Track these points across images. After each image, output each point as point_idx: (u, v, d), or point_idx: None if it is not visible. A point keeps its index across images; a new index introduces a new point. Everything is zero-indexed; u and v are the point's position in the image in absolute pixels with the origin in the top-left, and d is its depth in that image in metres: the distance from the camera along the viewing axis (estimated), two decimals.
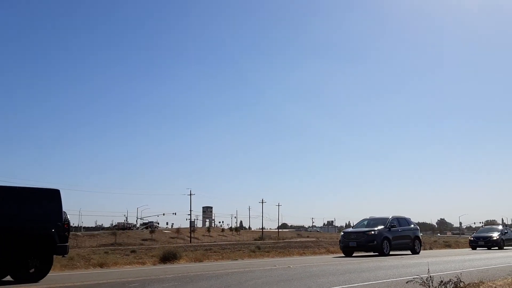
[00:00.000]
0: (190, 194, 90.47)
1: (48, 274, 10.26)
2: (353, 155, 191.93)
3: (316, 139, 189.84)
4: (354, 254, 19.59)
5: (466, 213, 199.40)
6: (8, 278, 9.83)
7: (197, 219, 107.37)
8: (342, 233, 20.33)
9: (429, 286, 5.81)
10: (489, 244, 27.17)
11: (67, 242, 10.56)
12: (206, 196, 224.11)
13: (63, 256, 10.84)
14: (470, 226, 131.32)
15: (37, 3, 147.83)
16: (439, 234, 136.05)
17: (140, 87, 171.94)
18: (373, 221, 20.19)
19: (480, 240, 27.82)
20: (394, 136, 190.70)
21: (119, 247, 53.61)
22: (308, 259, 17.58)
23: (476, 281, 7.45)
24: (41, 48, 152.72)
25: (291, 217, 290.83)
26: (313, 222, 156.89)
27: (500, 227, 30.85)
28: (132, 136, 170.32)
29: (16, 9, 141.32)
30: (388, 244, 18.80)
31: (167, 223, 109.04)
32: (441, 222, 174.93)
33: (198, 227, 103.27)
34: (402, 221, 20.56)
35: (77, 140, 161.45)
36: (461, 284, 6.24)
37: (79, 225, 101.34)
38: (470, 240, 29.51)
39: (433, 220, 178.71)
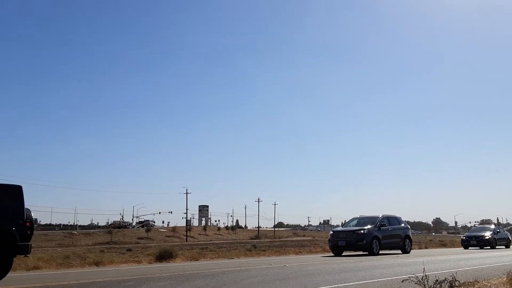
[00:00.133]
0: (186, 193, 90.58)
1: (45, 272, 10.22)
2: (349, 154, 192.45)
3: (312, 138, 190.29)
4: (345, 253, 19.34)
5: (462, 212, 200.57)
6: None
7: (193, 218, 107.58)
8: (331, 232, 20.06)
9: (424, 285, 5.82)
10: (481, 243, 27.09)
11: (29, 241, 10.03)
12: (203, 194, 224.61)
13: (25, 256, 10.26)
14: (466, 225, 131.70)
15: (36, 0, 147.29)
16: (433, 234, 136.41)
17: (136, 86, 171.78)
18: (363, 220, 19.94)
19: (472, 239, 27.73)
20: (390, 136, 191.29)
21: (115, 246, 53.54)
22: (304, 258, 17.59)
23: (471, 280, 7.48)
24: (39, 45, 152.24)
25: (287, 216, 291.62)
26: (309, 221, 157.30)
27: (493, 226, 30.79)
28: (129, 134, 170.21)
29: (16, 6, 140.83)
30: (377, 243, 18.57)
31: (163, 222, 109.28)
32: (437, 221, 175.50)
33: (194, 226, 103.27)
34: (392, 220, 20.35)
35: (73, 138, 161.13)
36: (456, 283, 6.26)
37: (75, 224, 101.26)
38: (462, 239, 29.41)
39: (428, 220, 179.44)
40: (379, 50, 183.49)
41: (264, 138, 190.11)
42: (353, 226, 19.82)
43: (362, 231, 18.46)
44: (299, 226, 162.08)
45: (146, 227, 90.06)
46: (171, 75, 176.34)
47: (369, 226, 18.82)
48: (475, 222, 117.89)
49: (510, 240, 29.99)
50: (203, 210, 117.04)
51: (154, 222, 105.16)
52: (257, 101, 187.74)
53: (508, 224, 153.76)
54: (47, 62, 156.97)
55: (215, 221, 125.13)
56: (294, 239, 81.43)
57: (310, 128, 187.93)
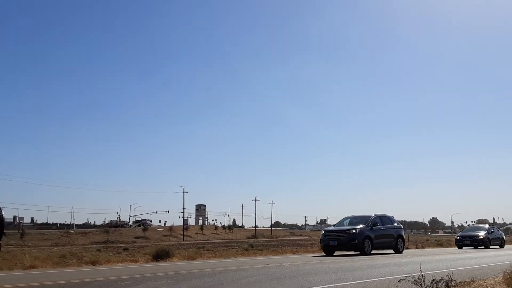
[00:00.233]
0: (183, 192, 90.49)
1: (41, 272, 10.21)
2: (346, 154, 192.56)
3: (309, 138, 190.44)
4: (337, 253, 19.12)
5: (458, 212, 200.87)
6: None
7: (190, 217, 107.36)
8: (323, 232, 19.81)
9: (421, 284, 5.84)
10: (475, 243, 26.89)
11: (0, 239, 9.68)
12: (199, 194, 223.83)
13: None
14: (462, 225, 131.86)
15: (42, 3, 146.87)
16: (429, 233, 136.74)
17: (133, 85, 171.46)
18: (356, 220, 19.73)
19: (466, 239, 27.52)
20: (387, 136, 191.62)
21: (112, 245, 53.43)
22: (301, 258, 17.60)
23: (467, 280, 7.51)
24: (41, 47, 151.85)
25: (284, 215, 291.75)
26: (306, 221, 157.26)
27: (487, 226, 30.43)
28: (126, 133, 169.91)
29: (20, 8, 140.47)
30: (369, 243, 18.35)
31: (160, 221, 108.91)
32: (433, 221, 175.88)
33: (191, 225, 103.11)
34: (385, 220, 20.16)
35: (70, 137, 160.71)
36: (453, 283, 6.28)
37: (72, 223, 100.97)
38: (456, 239, 29.17)
39: (425, 219, 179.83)
40: (377, 50, 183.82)
41: (261, 138, 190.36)
42: (345, 225, 19.60)
43: (353, 231, 18.26)
44: (296, 225, 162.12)
45: (143, 227, 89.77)
46: (167, 75, 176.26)
47: (361, 226, 18.64)
48: (472, 222, 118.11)
49: (504, 240, 29.89)
50: (200, 209, 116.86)
51: (151, 221, 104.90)
52: (254, 100, 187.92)
53: (504, 224, 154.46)
54: (46, 61, 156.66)
55: (212, 220, 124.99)
56: (291, 238, 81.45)
57: (307, 127, 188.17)
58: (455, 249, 27.08)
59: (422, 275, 5.91)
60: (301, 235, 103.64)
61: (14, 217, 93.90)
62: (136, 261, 16.47)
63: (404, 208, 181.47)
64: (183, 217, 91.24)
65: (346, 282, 7.87)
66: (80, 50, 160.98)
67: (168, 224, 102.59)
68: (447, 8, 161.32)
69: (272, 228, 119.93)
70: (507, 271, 7.39)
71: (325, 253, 19.43)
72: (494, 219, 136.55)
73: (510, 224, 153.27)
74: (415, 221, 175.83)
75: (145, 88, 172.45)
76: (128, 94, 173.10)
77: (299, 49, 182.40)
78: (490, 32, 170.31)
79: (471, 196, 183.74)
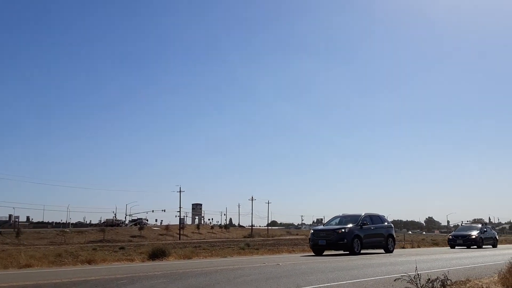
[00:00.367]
0: (180, 191, 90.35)
1: (37, 271, 10.18)
2: (342, 153, 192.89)
3: (305, 137, 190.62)
4: (328, 253, 18.90)
5: (454, 212, 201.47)
6: None
7: (186, 216, 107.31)
8: (312, 231, 19.45)
9: (416, 284, 5.85)
10: (467, 242, 26.61)
11: None
12: (196, 193, 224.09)
13: None
14: (458, 224, 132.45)
15: (41, 2, 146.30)
16: (424, 233, 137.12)
17: (130, 84, 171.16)
18: (345, 219, 19.41)
19: (458, 238, 27.23)
20: (384, 135, 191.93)
21: (108, 244, 53.34)
22: (298, 257, 17.60)
23: (463, 279, 7.54)
24: (38, 46, 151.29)
25: (280, 214, 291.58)
26: (302, 220, 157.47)
27: (480, 225, 30.05)
28: (122, 132, 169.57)
29: (20, 8, 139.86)
30: (359, 242, 18.06)
31: (156, 220, 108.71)
32: (429, 220, 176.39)
33: (187, 224, 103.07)
34: (375, 219, 19.85)
35: (66, 136, 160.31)
36: (448, 282, 6.29)
37: (67, 222, 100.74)
38: (448, 238, 28.87)
39: (421, 219, 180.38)
40: (372, 49, 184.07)
41: (258, 137, 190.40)
42: (335, 224, 19.27)
43: (343, 230, 17.93)
44: (292, 224, 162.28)
45: (139, 225, 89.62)
46: (165, 74, 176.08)
47: (350, 225, 18.35)
48: (467, 221, 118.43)
49: (497, 240, 29.69)
50: (197, 208, 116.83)
51: (147, 220, 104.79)
52: (250, 100, 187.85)
53: (499, 224, 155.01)
54: (44, 60, 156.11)
55: (209, 219, 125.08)
56: (288, 237, 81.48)
57: (304, 127, 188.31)
58: (445, 248, 26.86)
59: (418, 274, 5.92)
60: (297, 234, 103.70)
61: (10, 215, 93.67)
62: (132, 260, 16.44)
63: (400, 207, 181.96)
64: (180, 216, 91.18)
65: (342, 281, 7.88)
66: (78, 49, 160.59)
67: (164, 223, 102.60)
68: (445, 7, 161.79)
69: (269, 228, 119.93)
70: (502, 270, 7.41)
71: (314, 252, 19.16)
72: (489, 219, 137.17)
73: (506, 224, 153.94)
74: (411, 221, 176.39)
75: (142, 87, 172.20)
76: (126, 93, 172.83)
77: (297, 49, 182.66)
78: (488, 33, 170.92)
79: (467, 196, 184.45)
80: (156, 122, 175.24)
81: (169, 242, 54.79)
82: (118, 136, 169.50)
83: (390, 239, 20.19)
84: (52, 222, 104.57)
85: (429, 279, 6.01)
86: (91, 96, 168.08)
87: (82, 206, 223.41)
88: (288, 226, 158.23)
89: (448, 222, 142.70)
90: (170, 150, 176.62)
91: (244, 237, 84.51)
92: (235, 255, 20.00)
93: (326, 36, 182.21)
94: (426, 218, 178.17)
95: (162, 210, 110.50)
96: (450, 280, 6.46)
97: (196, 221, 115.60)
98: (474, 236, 26.72)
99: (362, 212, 19.71)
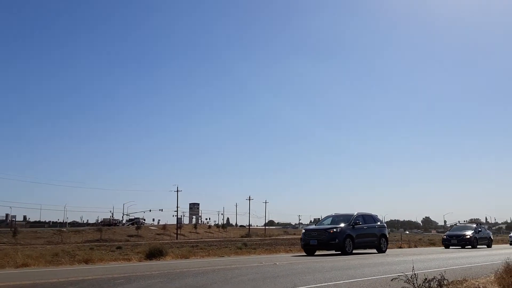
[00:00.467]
0: (177, 191, 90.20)
1: (34, 270, 10.16)
2: (339, 153, 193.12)
3: (304, 137, 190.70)
4: (320, 253, 18.76)
5: (451, 212, 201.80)
6: None
7: (183, 216, 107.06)
8: (303, 231, 19.14)
9: (413, 283, 5.86)
10: (462, 242, 26.42)
11: None
12: (193, 192, 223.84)
13: None
14: (455, 224, 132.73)
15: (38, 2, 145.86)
16: (420, 232, 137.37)
17: (127, 83, 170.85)
18: (338, 218, 19.20)
19: (453, 238, 27.00)
20: (382, 136, 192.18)
21: (105, 243, 53.23)
22: (295, 256, 17.61)
23: (459, 279, 7.55)
24: (35, 45, 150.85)
25: (278, 214, 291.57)
26: (300, 220, 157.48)
27: (474, 225, 29.86)
28: (119, 131, 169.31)
29: (17, 7, 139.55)
30: (351, 242, 17.89)
31: (153, 220, 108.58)
32: (426, 220, 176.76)
33: (184, 224, 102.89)
34: (367, 218, 19.67)
35: (63, 136, 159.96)
36: (445, 282, 6.30)
37: (64, 221, 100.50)
38: (443, 238, 28.68)
39: (418, 219, 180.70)
40: (373, 50, 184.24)
41: (255, 137, 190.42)
42: (327, 224, 19.10)
43: (334, 230, 17.73)
44: (289, 224, 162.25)
45: (136, 225, 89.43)
46: (162, 73, 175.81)
47: (342, 225, 18.18)
48: (464, 221, 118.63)
49: (492, 240, 29.51)
50: (194, 208, 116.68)
51: (144, 219, 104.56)
52: (248, 100, 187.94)
53: (496, 224, 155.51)
54: (41, 59, 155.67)
55: (206, 219, 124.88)
56: (285, 237, 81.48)
57: (301, 126, 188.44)
58: (440, 248, 26.66)
59: (415, 274, 5.93)
60: (295, 234, 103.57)
61: (7, 215, 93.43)
62: (129, 260, 16.42)
63: (398, 207, 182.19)
64: (177, 215, 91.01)
65: (339, 280, 7.89)
66: (75, 48, 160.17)
67: (161, 223, 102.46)
68: (443, 7, 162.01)
69: (266, 227, 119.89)
70: (499, 270, 7.43)
71: (305, 252, 18.97)
72: (486, 219, 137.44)
73: (503, 223, 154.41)
74: (408, 221, 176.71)
75: (139, 87, 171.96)
76: (122, 93, 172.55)
77: (294, 49, 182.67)
78: (486, 33, 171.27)
79: (464, 196, 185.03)
80: (153, 121, 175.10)
81: (166, 241, 54.70)
82: (115, 135, 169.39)
83: (383, 239, 20.02)
84: (49, 221, 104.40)
85: (426, 278, 6.02)
86: (89, 96, 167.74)
87: (79, 206, 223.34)
88: (286, 225, 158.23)
89: (445, 222, 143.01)
90: (168, 149, 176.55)
91: (242, 236, 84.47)
92: (232, 255, 20.00)
93: (323, 34, 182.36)
94: (423, 218, 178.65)
95: (160, 210, 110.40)
96: (447, 279, 6.47)
97: (194, 220, 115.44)
98: (468, 236, 26.53)
99: (354, 211, 19.53)
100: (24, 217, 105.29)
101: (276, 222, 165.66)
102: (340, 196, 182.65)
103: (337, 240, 17.56)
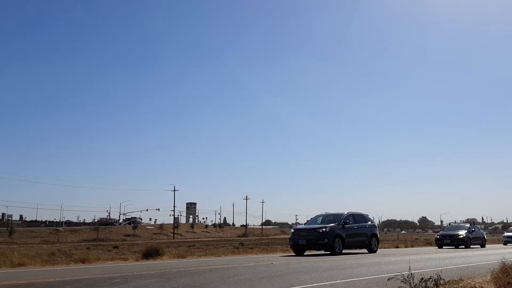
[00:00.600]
0: (174, 190, 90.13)
1: (30, 269, 10.13)
2: (337, 153, 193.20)
3: (301, 136, 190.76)
4: (311, 253, 18.64)
5: (448, 211, 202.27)
6: None
7: (180, 215, 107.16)
8: (292, 230, 18.89)
9: (410, 283, 5.87)
10: (455, 242, 26.21)
11: None
12: (190, 192, 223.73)
13: None
14: (449, 224, 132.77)
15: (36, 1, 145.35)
16: (417, 232, 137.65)
17: (125, 82, 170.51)
18: (328, 218, 19.00)
19: (446, 238, 26.77)
20: (379, 136, 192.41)
21: (101, 243, 53.17)
22: (292, 256, 17.59)
23: (456, 279, 7.57)
24: (33, 43, 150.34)
25: (275, 214, 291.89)
26: (296, 219, 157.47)
27: (468, 225, 29.68)
28: (116, 131, 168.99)
29: (18, 7, 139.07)
30: (340, 242, 17.67)
31: (150, 219, 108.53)
32: (423, 220, 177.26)
33: (181, 223, 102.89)
34: (358, 218, 19.49)
35: (60, 135, 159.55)
36: (442, 281, 6.31)
37: (61, 220, 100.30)
38: (436, 238, 28.45)
39: (415, 218, 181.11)
40: (372, 50, 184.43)
41: (252, 136, 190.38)
42: (317, 223, 18.89)
43: (324, 229, 17.50)
44: (286, 224, 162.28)
45: (133, 224, 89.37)
46: (160, 73, 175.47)
47: (331, 224, 17.98)
48: (460, 221, 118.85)
49: (485, 240, 29.35)
50: (191, 207, 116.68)
51: (141, 219, 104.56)
52: (245, 99, 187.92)
53: (492, 224, 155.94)
54: (39, 58, 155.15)
55: (203, 218, 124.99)
56: (282, 237, 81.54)
57: (299, 126, 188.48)
58: (433, 248, 26.43)
59: (411, 273, 5.94)
60: None
61: (3, 214, 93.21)
62: (125, 259, 16.38)
63: (394, 207, 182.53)
64: (174, 215, 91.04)
65: (336, 280, 7.89)
66: (73, 48, 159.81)
67: (158, 222, 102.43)
68: (442, 7, 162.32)
69: (263, 227, 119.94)
70: (495, 270, 7.45)
71: (294, 252, 18.76)
72: (482, 219, 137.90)
73: (499, 223, 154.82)
74: (405, 220, 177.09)
75: (137, 86, 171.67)
76: (120, 92, 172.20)
77: (292, 49, 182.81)
78: (486, 33, 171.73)
79: (460, 195, 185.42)
80: (150, 121, 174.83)
81: (163, 241, 54.68)
82: (112, 135, 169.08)
83: (374, 239, 19.87)
84: (46, 221, 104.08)
85: (422, 278, 6.03)
86: (86, 95, 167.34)
87: (76, 205, 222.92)
88: (283, 225, 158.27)
89: (441, 221, 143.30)
90: (165, 148, 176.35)
91: (238, 236, 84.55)
92: (229, 255, 19.99)
93: (321, 34, 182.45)
94: (420, 218, 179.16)
95: (156, 209, 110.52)
96: (443, 279, 6.48)
97: (190, 220, 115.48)
98: (462, 236, 26.33)
99: (345, 211, 19.36)
100: (21, 216, 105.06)
101: (273, 221, 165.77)
102: (337, 196, 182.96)
103: (326, 240, 17.33)
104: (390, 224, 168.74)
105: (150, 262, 14.75)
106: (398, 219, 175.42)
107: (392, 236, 75.93)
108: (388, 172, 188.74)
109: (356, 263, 12.45)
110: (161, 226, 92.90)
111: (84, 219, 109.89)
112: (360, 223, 19.44)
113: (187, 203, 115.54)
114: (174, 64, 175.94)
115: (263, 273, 9.35)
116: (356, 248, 19.49)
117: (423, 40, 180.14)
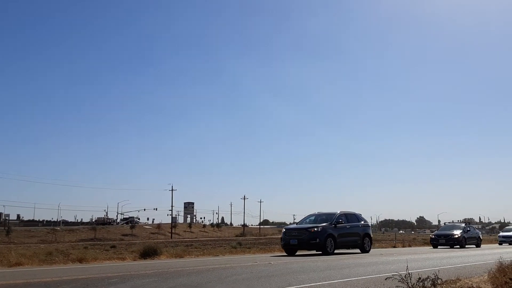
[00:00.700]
0: (172, 190, 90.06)
1: (27, 269, 10.10)
2: (334, 152, 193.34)
3: (299, 136, 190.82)
4: (304, 253, 18.53)
5: (445, 211, 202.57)
6: None
7: (178, 215, 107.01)
8: (284, 230, 18.68)
9: (407, 283, 5.88)
10: (450, 242, 26.11)
11: None
12: (188, 192, 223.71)
13: None
14: (444, 223, 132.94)
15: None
16: (413, 232, 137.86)
17: (123, 81, 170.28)
18: (320, 217, 18.82)
19: (441, 238, 26.67)
20: (377, 136, 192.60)
21: (99, 242, 53.05)
22: (289, 256, 17.59)
23: (453, 278, 7.58)
24: (31, 42, 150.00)
25: (272, 213, 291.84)
26: (294, 219, 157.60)
27: (463, 225, 29.53)
28: (114, 130, 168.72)
29: (16, 5, 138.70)
30: (332, 242, 17.47)
31: (147, 219, 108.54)
32: (420, 220, 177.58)
33: (179, 223, 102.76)
34: (351, 217, 19.33)
35: (57, 135, 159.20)
36: (439, 281, 6.33)
37: (58, 220, 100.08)
38: (431, 237, 28.37)
39: (412, 218, 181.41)
40: (369, 50, 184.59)
41: (250, 136, 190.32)
42: (309, 223, 18.71)
43: (315, 229, 17.28)
44: (284, 223, 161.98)
45: (130, 224, 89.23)
46: (157, 72, 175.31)
47: (323, 224, 17.79)
48: (458, 220, 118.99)
49: (481, 239, 29.22)
50: (189, 207, 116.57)
51: (138, 218, 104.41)
52: (242, 99, 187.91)
53: (489, 223, 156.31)
54: (37, 57, 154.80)
55: (201, 218, 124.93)
56: (280, 236, 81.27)
57: (297, 126, 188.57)
58: (428, 248, 26.52)
59: (409, 273, 5.95)
60: None
61: (0, 213, 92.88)
62: (123, 259, 16.36)
63: (392, 207, 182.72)
64: (171, 214, 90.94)
65: (334, 280, 7.90)
66: (71, 46, 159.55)
67: (156, 222, 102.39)
68: (441, 7, 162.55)
69: (261, 226, 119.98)
70: (492, 269, 7.47)
71: (286, 252, 18.60)
72: (480, 219, 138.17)
73: (496, 223, 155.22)
74: (403, 220, 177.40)
75: (134, 86, 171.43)
76: (117, 91, 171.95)
77: (292, 48, 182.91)
78: (486, 33, 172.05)
79: (458, 195, 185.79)
80: (148, 120, 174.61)
81: (160, 240, 54.61)
82: (110, 134, 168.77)
83: (367, 239, 19.69)
84: (43, 220, 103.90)
85: (420, 278, 6.04)
86: (84, 94, 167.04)
87: (73, 205, 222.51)
88: (280, 225, 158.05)
89: (439, 221, 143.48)
90: (163, 148, 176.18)
91: (236, 236, 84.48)
92: (227, 254, 19.99)
93: (318, 33, 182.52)
94: (418, 218, 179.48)
95: (154, 209, 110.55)
96: (441, 279, 6.50)
97: (188, 219, 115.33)
98: (457, 236, 26.23)
99: (337, 210, 19.22)
100: (18, 215, 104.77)
101: (271, 221, 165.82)
102: (336, 196, 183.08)
103: (318, 239, 17.15)
104: (387, 224, 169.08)
105: (148, 262, 14.74)
106: (395, 219, 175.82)
107: (389, 236, 76.05)
108: (388, 172, 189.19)
109: (353, 263, 12.46)
110: (159, 225, 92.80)
111: (82, 219, 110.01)
112: (353, 222, 19.29)
113: (185, 203, 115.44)
114: (171, 63, 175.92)
115: (260, 273, 9.35)
116: (348, 248, 19.33)
117: (423, 40, 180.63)
